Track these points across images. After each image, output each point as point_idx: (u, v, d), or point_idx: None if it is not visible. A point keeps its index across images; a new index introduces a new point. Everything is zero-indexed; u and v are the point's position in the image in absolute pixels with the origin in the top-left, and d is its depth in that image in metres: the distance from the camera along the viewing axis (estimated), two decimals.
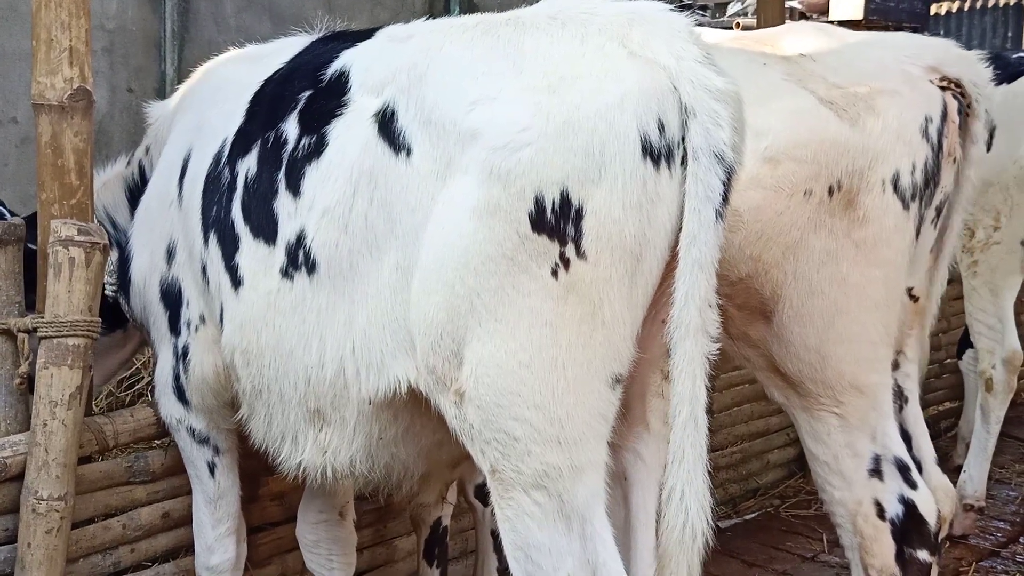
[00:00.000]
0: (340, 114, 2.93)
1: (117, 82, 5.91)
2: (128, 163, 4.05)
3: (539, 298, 2.55)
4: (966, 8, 15.70)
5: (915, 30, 13.98)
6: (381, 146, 2.78)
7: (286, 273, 2.98)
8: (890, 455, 3.48)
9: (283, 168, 3.02)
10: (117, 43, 5.91)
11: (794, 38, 3.78)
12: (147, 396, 5.19)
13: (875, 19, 15.33)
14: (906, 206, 3.39)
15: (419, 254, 2.68)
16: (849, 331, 3.38)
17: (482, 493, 4.36)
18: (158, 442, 3.77)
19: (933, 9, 15.89)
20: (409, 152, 2.72)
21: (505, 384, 2.57)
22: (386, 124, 2.78)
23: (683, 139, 2.56)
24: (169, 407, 3.56)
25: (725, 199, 2.56)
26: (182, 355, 3.46)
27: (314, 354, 2.93)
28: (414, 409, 2.88)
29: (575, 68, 2.59)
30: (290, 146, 3.02)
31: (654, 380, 2.86)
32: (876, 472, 3.48)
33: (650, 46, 2.60)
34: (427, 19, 3.09)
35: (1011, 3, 15.08)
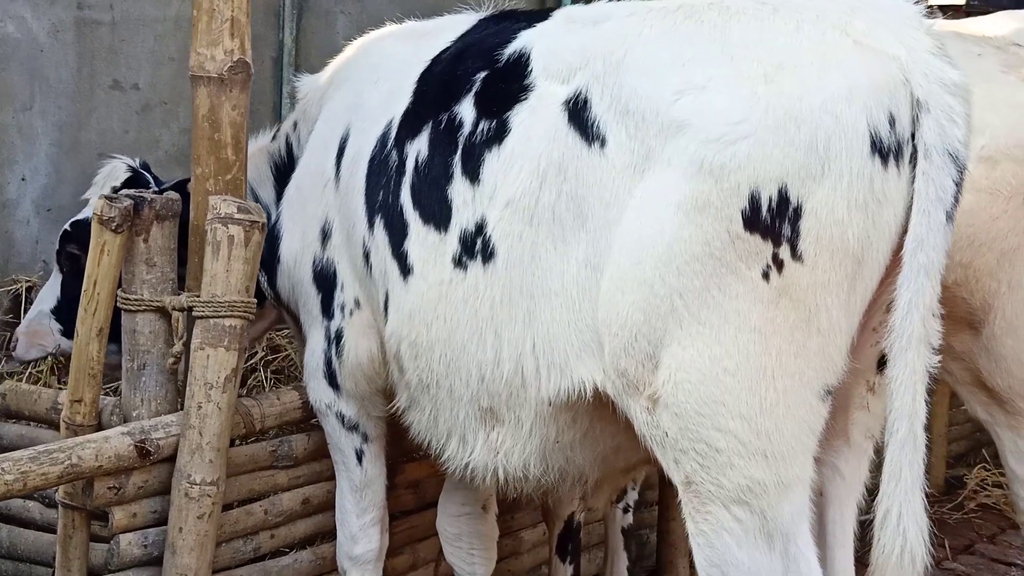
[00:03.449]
0: (523, 99, 2.81)
1: None
2: (274, 137, 3.93)
3: (747, 301, 2.42)
4: None
5: None
6: (572, 136, 2.66)
7: (459, 262, 2.86)
8: None
9: (459, 153, 2.90)
10: None
11: (997, 24, 3.55)
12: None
13: (977, 4, 14.90)
14: None
15: (611, 251, 2.56)
16: None
17: None
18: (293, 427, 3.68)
19: None
20: (603, 143, 2.60)
21: (708, 392, 2.44)
22: (578, 113, 2.66)
23: (912, 135, 2.40)
24: (319, 391, 3.44)
25: (956, 200, 2.41)
26: (335, 339, 3.34)
27: (489, 350, 2.81)
28: (596, 412, 2.76)
29: (793, 56, 2.45)
30: (466, 130, 2.89)
31: (858, 391, 2.69)
32: None
33: (877, 35, 2.45)
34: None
35: None
